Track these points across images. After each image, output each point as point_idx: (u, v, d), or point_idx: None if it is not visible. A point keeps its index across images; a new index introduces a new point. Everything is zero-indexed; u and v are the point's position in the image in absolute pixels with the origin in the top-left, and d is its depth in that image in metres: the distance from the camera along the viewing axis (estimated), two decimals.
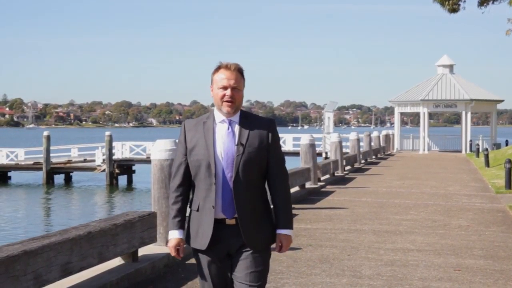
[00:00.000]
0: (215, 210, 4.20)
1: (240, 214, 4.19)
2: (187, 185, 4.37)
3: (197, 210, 4.27)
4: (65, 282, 6.68)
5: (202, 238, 4.25)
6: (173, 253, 4.34)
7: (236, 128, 4.26)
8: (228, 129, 4.25)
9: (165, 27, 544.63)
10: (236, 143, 4.21)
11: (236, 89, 4.24)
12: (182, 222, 4.35)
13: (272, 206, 4.37)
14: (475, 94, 44.89)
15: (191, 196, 4.37)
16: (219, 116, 4.28)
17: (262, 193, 4.33)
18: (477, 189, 19.35)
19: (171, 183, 4.40)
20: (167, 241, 4.43)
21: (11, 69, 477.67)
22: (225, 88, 4.22)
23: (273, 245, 4.37)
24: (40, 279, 5.80)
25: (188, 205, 4.38)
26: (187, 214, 4.39)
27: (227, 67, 4.26)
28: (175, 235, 4.32)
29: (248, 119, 4.30)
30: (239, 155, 4.20)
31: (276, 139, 4.35)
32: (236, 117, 4.28)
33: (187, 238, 4.35)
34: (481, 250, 9.71)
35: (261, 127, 4.30)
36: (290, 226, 4.34)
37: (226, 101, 4.22)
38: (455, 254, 9.41)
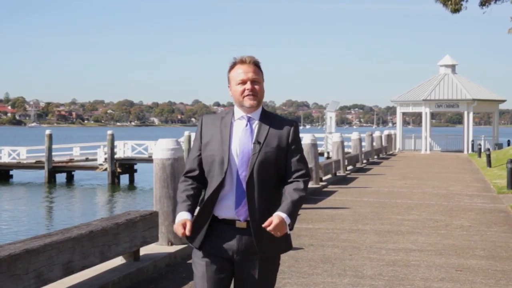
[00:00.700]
0: (224, 210, 3.98)
1: (252, 216, 3.93)
2: (200, 179, 4.11)
3: (203, 209, 4.05)
4: (67, 281, 6.68)
5: (199, 235, 4.03)
6: (179, 231, 3.95)
7: (255, 125, 4.03)
8: (246, 125, 4.02)
9: (167, 26, 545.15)
10: (253, 141, 3.98)
11: (256, 82, 4.03)
12: (191, 207, 4.05)
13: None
14: (477, 94, 44.86)
15: (202, 195, 4.11)
16: (239, 113, 4.06)
17: (278, 196, 4.05)
18: (479, 189, 19.34)
19: (182, 176, 4.17)
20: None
21: (13, 67, 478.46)
22: (244, 82, 4.01)
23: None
24: (42, 278, 5.80)
25: (199, 203, 4.11)
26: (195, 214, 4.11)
27: (242, 61, 4.05)
28: (181, 216, 3.99)
29: (269, 118, 4.08)
30: (255, 153, 3.96)
31: (298, 141, 4.09)
32: (256, 114, 4.06)
33: (191, 238, 4.08)
34: (483, 251, 9.70)
35: (281, 127, 4.05)
36: (289, 214, 3.94)
37: (247, 95, 4.00)
38: (457, 254, 9.40)
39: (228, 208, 3.97)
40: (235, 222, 3.98)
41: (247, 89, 4.00)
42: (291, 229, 3.97)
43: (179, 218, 4.00)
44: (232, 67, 4.09)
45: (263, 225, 3.88)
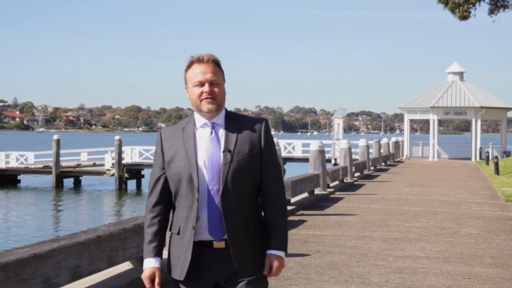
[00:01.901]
0: (198, 231, 3.53)
1: (230, 234, 3.50)
2: (166, 204, 3.67)
3: (178, 233, 3.60)
4: (74, 286, 6.68)
5: (181, 266, 3.58)
6: (147, 286, 3.59)
7: (221, 132, 3.58)
8: (212, 133, 3.57)
9: (175, 31, 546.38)
10: (222, 149, 3.53)
11: (215, 84, 3.57)
12: (159, 248, 3.64)
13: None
14: (485, 101, 44.79)
15: (171, 218, 3.69)
16: (200, 119, 3.61)
17: (256, 208, 3.65)
18: (486, 197, 19.28)
19: (146, 202, 3.72)
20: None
21: (21, 72, 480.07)
22: (201, 84, 3.56)
23: None
24: (49, 283, 5.81)
25: (168, 228, 3.70)
26: (168, 238, 3.73)
27: (199, 60, 3.60)
28: (150, 263, 3.59)
29: (236, 120, 3.62)
30: (226, 163, 3.51)
31: (270, 142, 3.65)
32: (220, 119, 3.61)
33: (168, 267, 3.66)
34: (491, 258, 9.67)
35: (251, 128, 3.60)
36: (283, 248, 3.61)
37: (205, 98, 3.55)
38: (465, 262, 9.38)
39: (203, 229, 3.53)
40: (212, 242, 3.55)
41: (205, 92, 3.56)
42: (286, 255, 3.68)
43: (146, 267, 3.61)
44: (188, 66, 3.65)
45: (264, 273, 3.58)
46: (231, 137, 3.57)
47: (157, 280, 3.58)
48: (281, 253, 3.60)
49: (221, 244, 3.54)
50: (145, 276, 3.60)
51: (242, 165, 3.54)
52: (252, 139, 3.60)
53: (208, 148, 3.55)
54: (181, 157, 3.57)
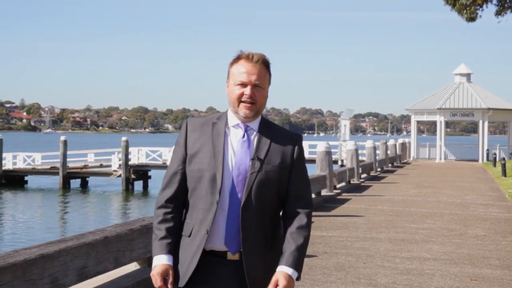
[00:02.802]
0: (212, 238, 3.24)
1: (246, 249, 3.21)
2: (182, 201, 3.36)
3: (189, 236, 3.29)
4: (81, 286, 6.69)
5: (184, 271, 3.27)
6: (158, 283, 3.19)
7: (254, 137, 3.31)
8: (244, 136, 3.29)
9: (182, 33, 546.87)
10: (251, 156, 3.25)
11: (258, 87, 3.28)
12: (173, 246, 3.30)
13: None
14: (493, 103, 44.69)
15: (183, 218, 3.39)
16: (233, 119, 3.34)
17: (277, 225, 3.36)
18: (494, 199, 19.23)
19: (159, 196, 3.39)
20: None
21: (29, 74, 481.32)
22: (244, 85, 3.28)
23: None
24: (56, 283, 5.82)
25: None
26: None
27: (248, 58, 3.30)
28: (161, 260, 3.24)
29: (270, 129, 3.34)
30: (254, 172, 3.23)
31: (302, 160, 3.38)
32: (254, 124, 3.33)
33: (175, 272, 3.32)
34: (498, 260, 9.64)
35: (285, 141, 3.33)
36: (296, 268, 3.22)
37: (245, 102, 3.27)
38: (472, 263, 9.36)
39: (218, 238, 3.24)
40: (226, 254, 3.25)
41: (246, 95, 3.27)
42: (297, 279, 3.26)
43: (158, 263, 3.24)
44: (235, 61, 3.35)
45: None
46: (263, 145, 3.29)
47: (170, 279, 3.22)
48: (292, 272, 3.20)
49: (236, 257, 3.24)
50: (156, 272, 3.21)
51: (270, 177, 3.25)
52: (285, 152, 3.32)
53: (238, 151, 3.28)
54: (207, 153, 3.27)
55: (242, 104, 3.28)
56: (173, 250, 3.30)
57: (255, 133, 3.32)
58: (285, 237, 3.30)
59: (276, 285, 3.16)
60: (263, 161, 3.26)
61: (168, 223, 3.31)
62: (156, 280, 3.19)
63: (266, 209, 3.26)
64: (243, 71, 3.28)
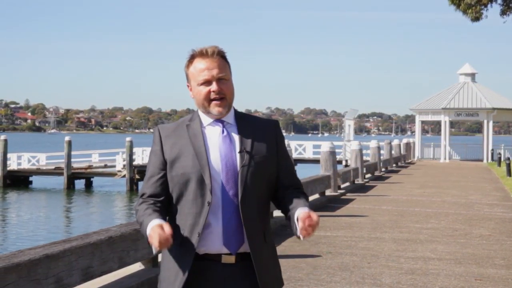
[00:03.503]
0: (205, 241, 3.06)
1: (252, 247, 3.05)
2: (164, 200, 3.15)
3: (180, 244, 3.07)
4: (86, 286, 6.70)
5: (179, 279, 3.07)
6: (157, 235, 2.88)
7: (234, 131, 3.17)
8: (223, 132, 3.15)
9: (186, 33, 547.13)
10: (238, 149, 3.11)
11: (223, 80, 3.13)
12: (163, 216, 3.07)
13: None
14: (497, 103, 44.63)
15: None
16: (206, 118, 3.20)
17: (268, 217, 3.26)
18: (498, 198, 19.20)
19: (138, 199, 3.21)
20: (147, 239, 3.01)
21: (33, 74, 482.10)
22: (208, 82, 3.12)
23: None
24: (61, 283, 5.83)
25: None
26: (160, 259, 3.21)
27: (202, 54, 3.13)
28: (156, 222, 2.96)
29: (246, 120, 3.22)
30: (244, 165, 3.08)
31: (284, 144, 3.31)
32: (229, 118, 3.19)
33: (159, 284, 3.21)
34: (503, 260, 9.63)
35: (265, 129, 3.21)
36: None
37: (214, 99, 3.12)
38: (476, 263, 9.34)
39: (213, 239, 3.05)
40: (221, 257, 3.07)
41: (214, 91, 3.11)
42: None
43: (153, 224, 2.97)
44: (190, 61, 3.19)
45: (307, 226, 2.95)
46: (246, 137, 3.14)
47: (167, 228, 2.91)
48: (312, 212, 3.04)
49: (231, 259, 3.07)
50: (152, 227, 2.94)
51: (262, 167, 3.12)
52: (269, 139, 3.20)
53: (221, 147, 3.11)
54: (188, 156, 3.09)
55: (212, 103, 3.13)
56: (164, 218, 3.09)
57: (232, 127, 3.18)
58: (288, 201, 3.16)
59: (308, 216, 2.96)
60: (251, 153, 3.11)
61: (152, 208, 3.08)
62: (154, 233, 2.90)
63: (261, 201, 3.13)
64: (202, 68, 3.13)
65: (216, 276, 3.06)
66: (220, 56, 3.15)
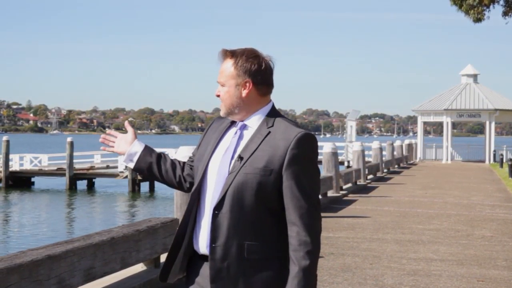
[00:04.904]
0: (198, 241, 3.03)
1: (213, 257, 2.91)
2: (181, 167, 3.30)
3: (182, 236, 3.13)
4: (88, 287, 6.72)
5: (173, 269, 3.13)
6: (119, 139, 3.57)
7: (247, 135, 3.01)
8: (235, 134, 3.04)
9: (188, 34, 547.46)
10: (236, 156, 2.97)
11: (222, 85, 3.07)
12: (152, 157, 3.34)
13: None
14: (499, 103, 44.58)
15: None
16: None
17: (267, 237, 2.94)
18: (500, 200, 19.19)
19: None
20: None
21: (35, 75, 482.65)
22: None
23: None
24: (63, 284, 5.84)
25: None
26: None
27: (219, 56, 3.11)
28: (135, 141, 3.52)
29: (270, 126, 2.98)
30: (232, 172, 2.92)
31: (299, 163, 2.90)
32: (253, 121, 3.02)
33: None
34: (505, 261, 9.63)
35: (280, 140, 2.91)
36: None
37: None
38: (479, 264, 9.34)
39: (200, 240, 3.03)
40: (208, 257, 3.01)
41: (216, 95, 3.12)
42: None
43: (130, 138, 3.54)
44: None
45: None
46: (252, 144, 2.95)
47: (116, 135, 3.56)
48: None
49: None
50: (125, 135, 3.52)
51: (248, 180, 2.89)
52: (275, 152, 2.90)
53: (223, 150, 3.03)
54: (203, 150, 3.11)
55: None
56: (150, 154, 3.35)
57: (250, 131, 3.02)
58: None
59: None
60: (245, 162, 2.91)
61: (174, 160, 3.32)
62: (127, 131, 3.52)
63: (245, 215, 2.89)
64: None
65: (206, 275, 2.99)
66: (225, 59, 3.05)
